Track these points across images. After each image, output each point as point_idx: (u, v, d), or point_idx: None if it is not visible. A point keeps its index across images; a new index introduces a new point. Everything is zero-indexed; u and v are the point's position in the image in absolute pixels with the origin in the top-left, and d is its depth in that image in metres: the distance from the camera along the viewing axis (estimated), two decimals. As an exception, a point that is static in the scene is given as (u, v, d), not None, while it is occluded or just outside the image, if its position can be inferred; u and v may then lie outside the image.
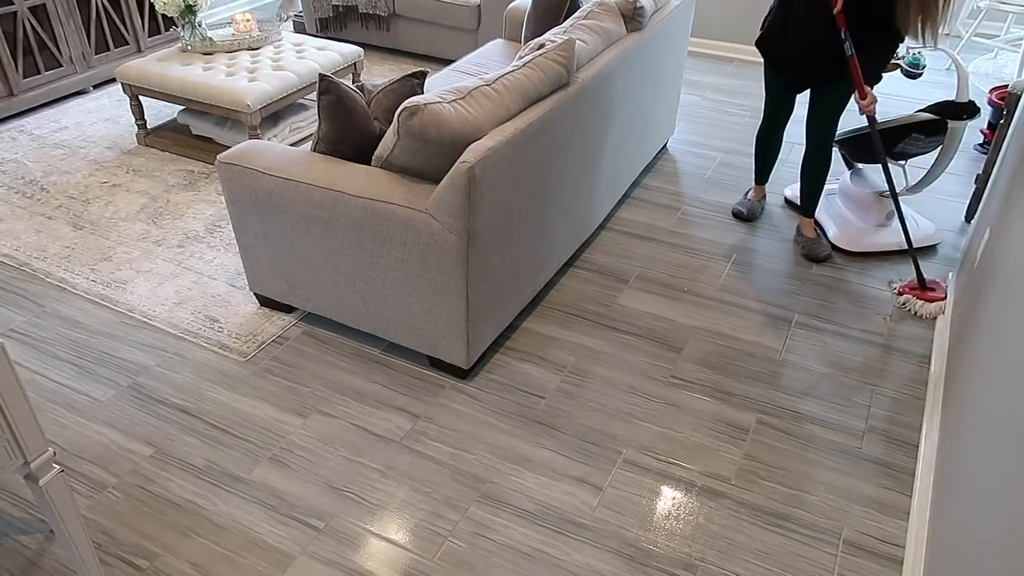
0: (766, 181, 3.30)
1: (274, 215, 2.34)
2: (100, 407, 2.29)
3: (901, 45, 2.67)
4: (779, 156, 3.76)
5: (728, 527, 1.96)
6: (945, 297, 2.73)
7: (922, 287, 2.76)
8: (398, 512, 1.98)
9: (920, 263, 2.87)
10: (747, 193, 3.37)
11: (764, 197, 3.35)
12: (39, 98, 4.09)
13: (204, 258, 2.95)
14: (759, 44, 2.88)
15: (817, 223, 3.21)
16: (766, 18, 2.84)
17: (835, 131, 2.86)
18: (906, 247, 3.02)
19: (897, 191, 2.98)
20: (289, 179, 2.24)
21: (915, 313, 2.71)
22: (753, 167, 3.32)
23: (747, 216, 3.25)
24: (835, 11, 2.51)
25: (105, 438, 2.18)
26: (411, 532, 1.93)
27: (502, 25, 4.03)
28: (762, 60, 2.94)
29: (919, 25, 2.45)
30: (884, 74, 2.73)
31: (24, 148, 3.77)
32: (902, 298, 2.76)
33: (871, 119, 2.73)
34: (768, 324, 2.66)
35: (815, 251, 2.98)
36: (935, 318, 2.70)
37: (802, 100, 3.01)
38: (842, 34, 2.55)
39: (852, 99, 2.73)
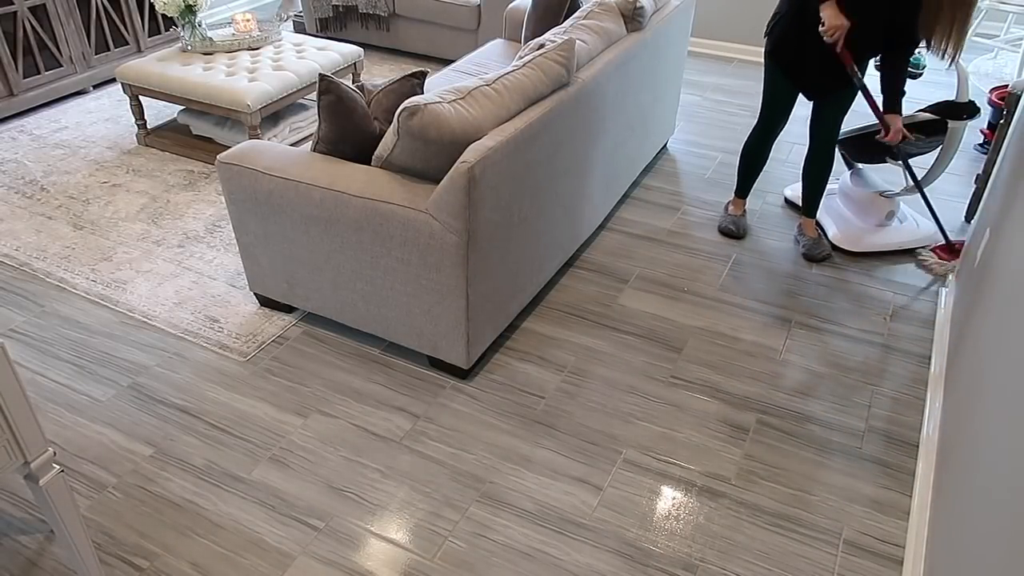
0: (747, 195, 3.18)
1: (274, 215, 2.34)
2: (100, 407, 2.29)
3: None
4: (782, 156, 3.77)
5: (728, 527, 1.96)
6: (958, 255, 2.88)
7: (950, 251, 2.93)
8: (398, 512, 1.98)
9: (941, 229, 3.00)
10: (727, 207, 3.25)
11: (744, 213, 3.21)
12: (39, 98, 4.09)
13: (204, 258, 2.95)
14: (773, 55, 2.76)
15: (817, 223, 3.21)
16: (773, 26, 2.73)
17: (839, 133, 2.85)
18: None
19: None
20: (289, 179, 2.24)
21: (930, 269, 2.91)
22: (736, 180, 3.17)
23: (738, 233, 3.12)
24: (838, 50, 2.50)
25: (105, 438, 2.18)
26: (411, 532, 1.93)
27: (502, 25, 4.03)
28: (763, 62, 2.87)
29: (945, 37, 2.37)
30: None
31: (24, 148, 3.77)
32: (933, 264, 2.93)
33: (896, 147, 2.77)
34: (768, 324, 2.66)
35: (815, 251, 2.98)
36: (944, 275, 2.88)
37: (802, 104, 3.01)
38: (847, 70, 2.55)
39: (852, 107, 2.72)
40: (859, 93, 2.67)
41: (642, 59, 2.95)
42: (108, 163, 3.64)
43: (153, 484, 2.05)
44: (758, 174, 3.11)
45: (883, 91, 2.68)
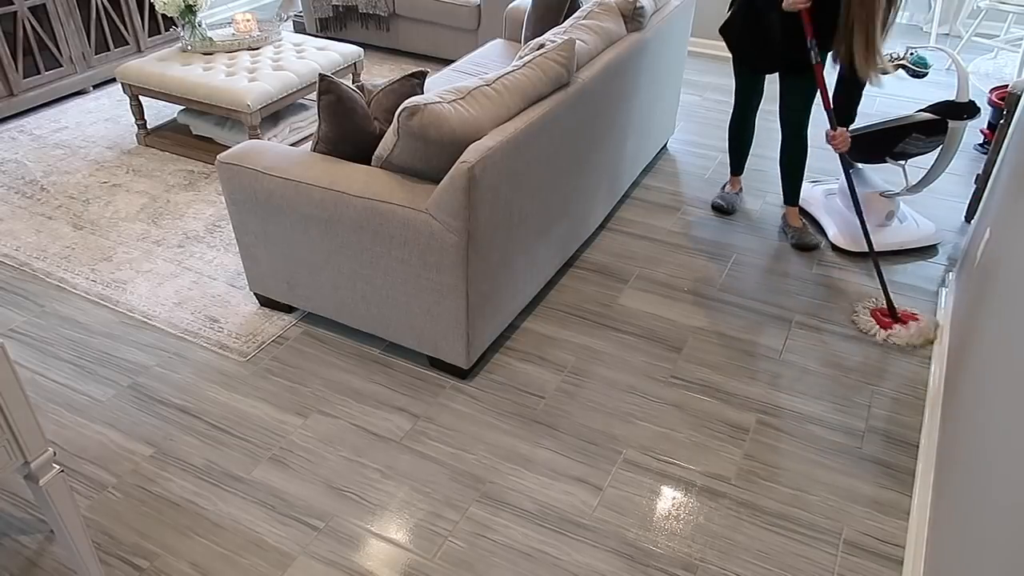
0: (742, 171, 3.33)
1: (274, 215, 2.34)
2: (100, 407, 2.29)
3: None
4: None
5: (728, 527, 1.96)
6: (913, 328, 2.57)
7: (893, 316, 2.63)
8: (398, 512, 1.98)
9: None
10: (724, 186, 3.39)
11: (741, 189, 3.37)
12: (39, 98, 4.09)
13: (204, 258, 2.95)
14: (724, 31, 2.90)
15: (816, 221, 3.21)
16: (732, 4, 2.87)
17: (808, 118, 2.89)
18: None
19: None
20: (289, 179, 2.24)
21: (883, 341, 2.57)
22: (728, 159, 3.34)
23: (728, 209, 3.26)
24: (801, 8, 2.51)
25: (105, 438, 2.18)
26: (411, 532, 1.93)
27: (502, 25, 4.03)
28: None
29: (846, 56, 2.53)
30: (886, 75, 2.73)
31: (24, 148, 3.77)
32: (868, 325, 2.62)
33: (842, 158, 2.75)
34: (768, 324, 2.66)
35: (804, 240, 3.00)
36: (911, 344, 2.56)
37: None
38: (807, 42, 2.59)
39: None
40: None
41: (642, 59, 2.95)
42: (108, 163, 3.64)
43: (153, 484, 2.05)
44: (746, 150, 3.25)
45: (835, 106, 2.75)
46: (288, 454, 2.14)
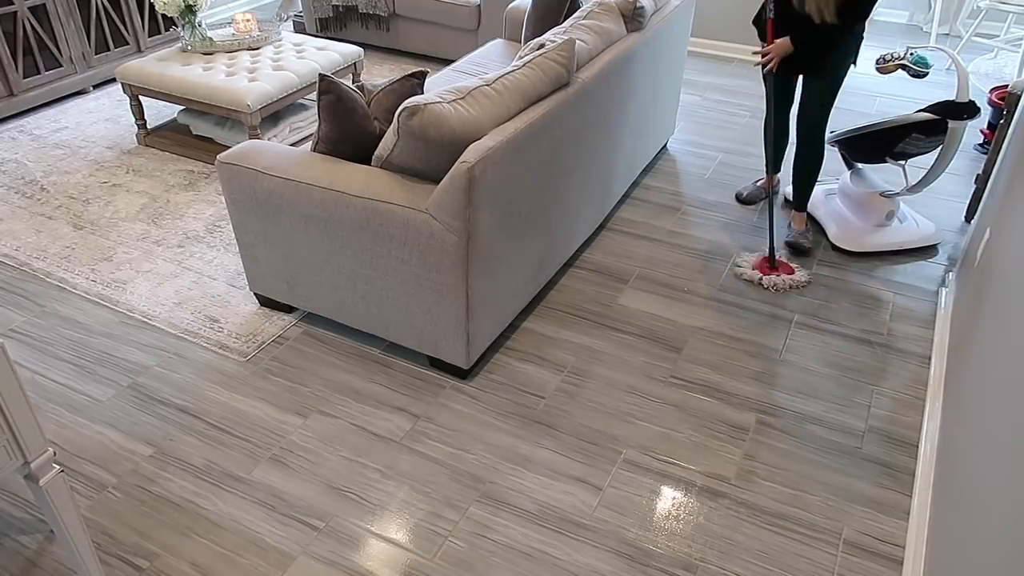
0: (777, 171, 3.32)
1: (274, 215, 2.34)
2: (100, 407, 2.29)
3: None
4: (785, 158, 3.76)
5: (728, 527, 1.96)
6: (789, 274, 2.87)
7: (772, 265, 2.92)
8: (398, 512, 1.98)
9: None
10: (757, 180, 3.44)
11: (770, 187, 3.27)
12: (39, 98, 4.09)
13: (204, 258, 2.95)
14: (755, 22, 2.95)
15: (817, 222, 3.21)
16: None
17: (824, 125, 2.89)
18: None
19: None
20: (289, 179, 2.24)
21: (754, 281, 2.86)
22: (764, 160, 3.38)
23: (745, 199, 3.34)
24: None
25: (105, 438, 2.18)
26: (411, 532, 1.93)
27: (502, 25, 4.03)
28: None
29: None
30: (886, 75, 2.75)
31: (24, 148, 3.77)
32: (745, 270, 2.90)
33: (765, 70, 2.86)
34: (768, 324, 2.66)
35: (798, 240, 3.00)
36: (777, 289, 2.84)
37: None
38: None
39: (837, 93, 2.81)
40: (841, 83, 2.83)
41: (642, 59, 2.95)
42: (108, 163, 3.64)
43: (153, 484, 2.05)
44: (782, 151, 3.27)
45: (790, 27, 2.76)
46: (288, 454, 2.14)
